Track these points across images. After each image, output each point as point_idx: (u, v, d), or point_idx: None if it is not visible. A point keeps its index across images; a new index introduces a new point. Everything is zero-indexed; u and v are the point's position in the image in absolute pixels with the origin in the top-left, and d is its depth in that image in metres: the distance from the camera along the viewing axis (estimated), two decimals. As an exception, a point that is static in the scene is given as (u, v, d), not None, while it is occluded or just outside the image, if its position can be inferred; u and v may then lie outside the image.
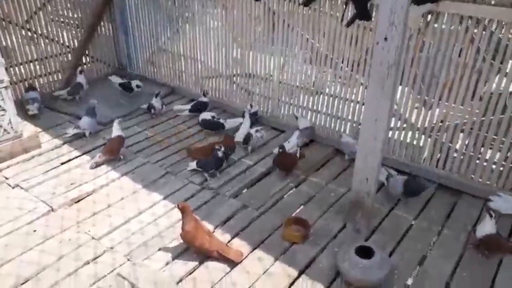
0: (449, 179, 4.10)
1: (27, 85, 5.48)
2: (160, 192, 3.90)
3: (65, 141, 4.70)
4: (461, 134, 4.00)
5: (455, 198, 3.97)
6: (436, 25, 3.80)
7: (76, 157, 4.46)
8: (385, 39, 2.84)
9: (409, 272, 3.13)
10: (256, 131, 4.69)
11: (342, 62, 4.50)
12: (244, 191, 4.07)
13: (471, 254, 3.29)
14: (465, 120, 3.91)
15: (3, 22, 5.16)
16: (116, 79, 5.98)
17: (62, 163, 4.32)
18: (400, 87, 4.10)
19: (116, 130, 4.48)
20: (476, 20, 3.57)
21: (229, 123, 5.07)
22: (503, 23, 3.46)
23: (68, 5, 5.93)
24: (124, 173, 4.18)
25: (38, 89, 5.53)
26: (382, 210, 3.79)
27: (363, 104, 4.46)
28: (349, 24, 4.06)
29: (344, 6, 4.14)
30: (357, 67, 4.39)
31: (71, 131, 4.75)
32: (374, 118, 3.07)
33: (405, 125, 4.30)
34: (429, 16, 3.78)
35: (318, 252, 3.30)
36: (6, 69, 4.18)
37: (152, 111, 5.35)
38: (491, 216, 3.21)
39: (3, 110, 4.17)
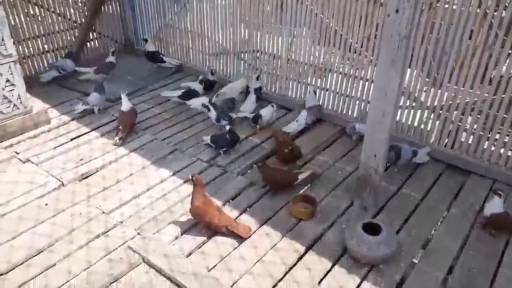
0: (457, 159, 4.08)
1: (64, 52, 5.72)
2: (168, 168, 3.93)
3: (74, 117, 4.72)
4: (470, 115, 3.96)
5: (463, 178, 3.95)
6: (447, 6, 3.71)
7: (85, 133, 4.49)
8: (397, 11, 2.78)
9: (416, 249, 3.16)
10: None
11: (352, 38, 4.44)
12: (249, 170, 4.07)
13: (478, 233, 3.30)
14: (475, 99, 3.86)
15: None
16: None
17: (71, 139, 4.35)
18: (409, 69, 4.06)
19: (126, 103, 4.49)
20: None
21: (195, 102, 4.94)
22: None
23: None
24: (133, 149, 4.21)
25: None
26: (390, 188, 3.79)
27: (372, 82, 4.44)
28: None
29: None
30: (367, 42, 4.33)
31: (79, 107, 4.76)
32: (384, 93, 3.04)
33: (414, 104, 4.26)
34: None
35: (325, 228, 3.32)
36: (14, 43, 4.16)
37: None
38: (499, 195, 3.20)
39: (12, 85, 4.18)
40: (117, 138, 4.28)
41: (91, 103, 4.77)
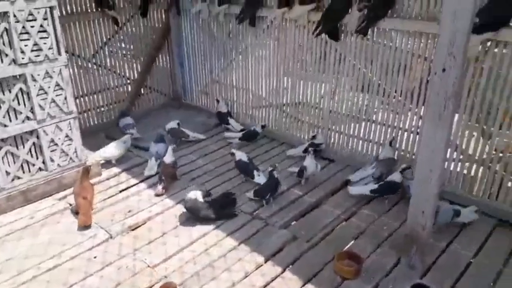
0: (510, 213, 3.86)
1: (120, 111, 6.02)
2: (211, 221, 3.98)
3: (124, 169, 4.95)
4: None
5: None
6: (496, 50, 3.66)
7: (134, 185, 4.67)
8: (443, 70, 2.79)
9: (470, 313, 2.96)
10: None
11: (396, 92, 4.43)
12: (293, 222, 4.05)
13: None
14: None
15: (73, 57, 5.58)
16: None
17: (120, 191, 4.55)
18: (456, 116, 3.98)
19: (170, 156, 4.66)
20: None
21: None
22: None
23: (126, 38, 6.28)
24: (178, 201, 4.31)
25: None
26: (439, 245, 3.62)
27: (417, 133, 4.37)
28: (317, 35, 4.65)
29: (317, 25, 4.61)
30: (411, 96, 4.31)
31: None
32: (431, 149, 3.00)
33: (461, 156, 4.12)
34: (488, 43, 3.66)
35: (371, 288, 3.20)
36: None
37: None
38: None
39: (70, 139, 4.48)
40: (160, 187, 4.44)
41: (160, 154, 4.89)
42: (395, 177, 4.20)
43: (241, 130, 5.80)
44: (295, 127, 5.56)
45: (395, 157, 4.61)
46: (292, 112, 5.54)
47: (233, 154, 4.79)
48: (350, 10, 4.38)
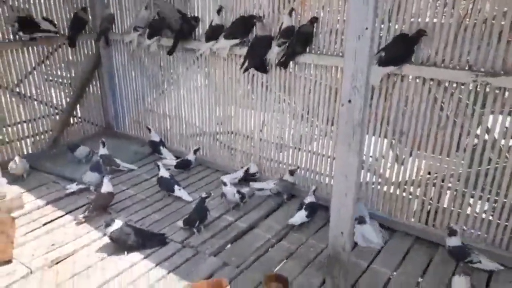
0: (425, 232, 4.21)
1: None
2: (140, 252, 3.92)
3: (48, 201, 4.75)
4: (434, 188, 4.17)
5: (432, 251, 4.04)
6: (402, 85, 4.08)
7: (59, 217, 4.49)
8: (349, 101, 3.06)
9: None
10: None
11: (318, 120, 4.74)
12: (226, 247, 4.10)
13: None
14: (435, 174, 4.08)
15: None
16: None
17: (44, 224, 4.35)
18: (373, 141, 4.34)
19: (107, 186, 4.59)
20: (437, 82, 3.86)
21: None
22: (462, 84, 3.74)
23: (62, 65, 6.17)
24: (105, 233, 4.20)
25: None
26: (361, 264, 3.84)
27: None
28: (244, 70, 4.88)
29: (243, 60, 4.87)
30: (331, 125, 4.63)
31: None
32: (345, 174, 3.23)
33: (380, 180, 4.46)
34: (395, 78, 4.07)
35: (297, 309, 3.31)
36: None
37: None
38: (467, 274, 3.31)
39: (-12, 172, 4.26)
40: (81, 216, 4.34)
41: (88, 182, 4.91)
42: (311, 199, 4.54)
43: (177, 158, 5.83)
44: (228, 155, 5.69)
45: (295, 182, 4.99)
46: (225, 140, 5.68)
47: (224, 183, 4.72)
48: (271, 46, 4.68)
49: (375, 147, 4.38)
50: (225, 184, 4.69)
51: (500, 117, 3.63)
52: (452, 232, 3.75)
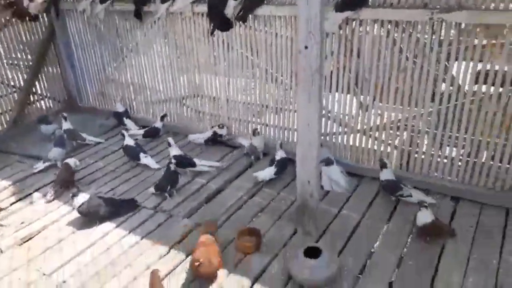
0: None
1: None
2: (113, 221, 3.91)
3: (15, 180, 4.65)
4: (397, 133, 4.23)
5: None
6: (361, 30, 4.03)
7: (27, 195, 4.41)
8: (306, 47, 3.02)
9: (358, 267, 3.25)
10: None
11: (282, 75, 4.68)
12: (199, 209, 4.12)
13: (415, 244, 3.46)
14: (398, 117, 4.14)
15: None
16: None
17: (12, 204, 4.27)
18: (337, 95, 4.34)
19: (72, 160, 4.52)
20: (395, 23, 3.82)
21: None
22: (418, 23, 3.72)
23: (20, 46, 5.95)
24: (73, 206, 4.15)
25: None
26: (331, 211, 3.93)
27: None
28: (211, 33, 4.82)
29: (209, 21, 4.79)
30: (295, 78, 4.59)
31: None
32: (307, 123, 3.23)
33: (346, 129, 4.49)
34: (354, 23, 4.02)
35: (271, 259, 3.37)
36: None
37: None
38: (425, 207, 3.42)
39: None
40: (48, 195, 4.28)
41: (53, 158, 4.82)
42: (281, 154, 4.57)
43: (143, 127, 5.74)
44: (196, 118, 5.62)
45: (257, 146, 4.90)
46: (192, 104, 5.59)
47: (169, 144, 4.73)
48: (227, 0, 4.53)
49: (339, 97, 4.38)
50: (169, 144, 4.71)
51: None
52: (383, 165, 3.89)
